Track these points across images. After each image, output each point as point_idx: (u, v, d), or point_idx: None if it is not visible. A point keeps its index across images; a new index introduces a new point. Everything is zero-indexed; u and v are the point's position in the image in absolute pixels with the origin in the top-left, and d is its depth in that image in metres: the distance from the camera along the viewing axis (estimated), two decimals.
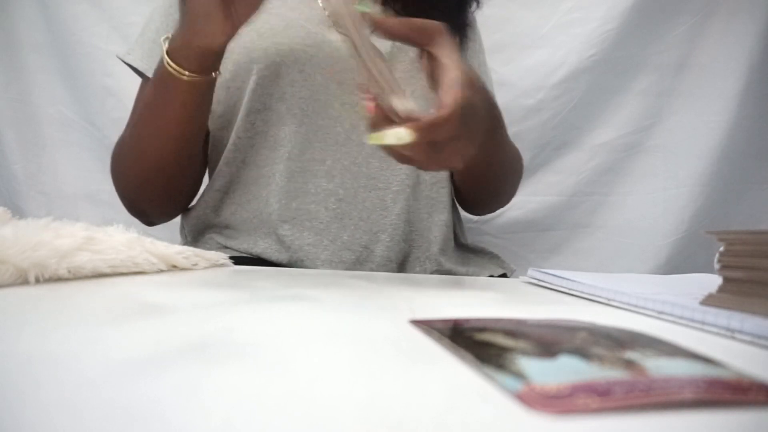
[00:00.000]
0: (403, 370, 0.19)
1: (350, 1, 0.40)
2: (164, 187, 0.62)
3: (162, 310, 0.27)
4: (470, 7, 0.70)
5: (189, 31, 0.49)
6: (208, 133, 0.66)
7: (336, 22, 0.40)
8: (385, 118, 0.38)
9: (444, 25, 0.40)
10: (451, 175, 0.69)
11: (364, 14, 0.39)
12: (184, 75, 0.51)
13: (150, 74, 0.63)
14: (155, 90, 0.55)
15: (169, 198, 0.65)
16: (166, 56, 0.51)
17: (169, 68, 0.51)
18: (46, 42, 1.03)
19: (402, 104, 0.37)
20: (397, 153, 0.39)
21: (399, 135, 0.36)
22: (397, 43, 0.65)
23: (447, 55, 0.39)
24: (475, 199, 0.73)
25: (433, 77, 0.40)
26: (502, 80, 0.98)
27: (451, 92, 0.37)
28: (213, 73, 0.54)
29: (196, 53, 0.50)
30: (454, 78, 0.37)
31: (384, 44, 0.64)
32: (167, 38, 0.52)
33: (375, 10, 0.66)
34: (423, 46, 0.40)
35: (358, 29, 0.39)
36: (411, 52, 0.65)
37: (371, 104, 0.39)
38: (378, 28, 0.39)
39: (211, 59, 0.52)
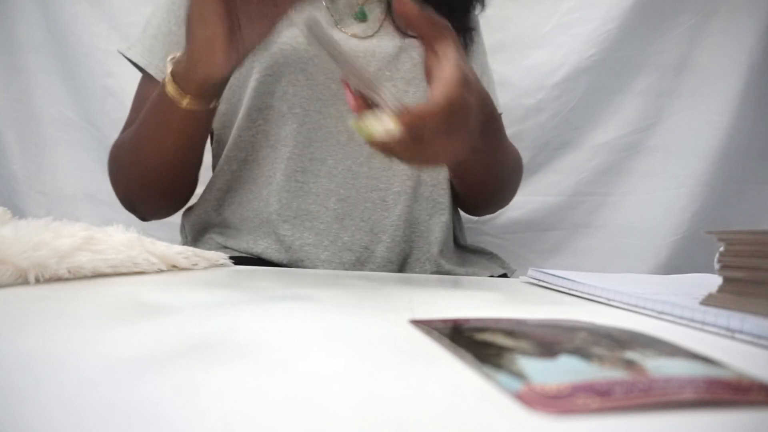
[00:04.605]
0: (403, 370, 0.19)
1: (317, 22, 0.40)
2: (162, 191, 0.62)
3: (162, 310, 0.27)
4: (474, 9, 0.70)
5: (190, 59, 0.47)
6: (211, 133, 0.66)
7: (307, 38, 0.41)
8: (369, 107, 0.38)
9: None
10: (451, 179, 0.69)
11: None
12: (182, 103, 0.50)
13: (150, 70, 0.63)
14: (154, 109, 0.54)
15: (166, 200, 0.65)
16: (169, 78, 0.49)
17: (169, 93, 0.50)
18: (46, 42, 1.03)
19: (389, 98, 0.37)
20: (382, 145, 0.38)
21: (388, 129, 0.35)
22: (403, 44, 0.65)
23: (449, 54, 0.38)
24: (474, 202, 0.73)
25: (432, 74, 0.39)
26: (502, 80, 0.98)
27: (443, 87, 0.36)
28: (211, 105, 0.52)
29: (196, 81, 0.48)
30: (449, 75, 0.37)
31: (390, 45, 0.64)
32: (173, 58, 0.50)
33: (374, 16, 0.66)
34: (430, 41, 0.39)
35: (327, 46, 0.40)
36: (414, 53, 0.65)
37: (351, 97, 0.39)
38: (399, 9, 0.38)
39: (212, 89, 0.50)
